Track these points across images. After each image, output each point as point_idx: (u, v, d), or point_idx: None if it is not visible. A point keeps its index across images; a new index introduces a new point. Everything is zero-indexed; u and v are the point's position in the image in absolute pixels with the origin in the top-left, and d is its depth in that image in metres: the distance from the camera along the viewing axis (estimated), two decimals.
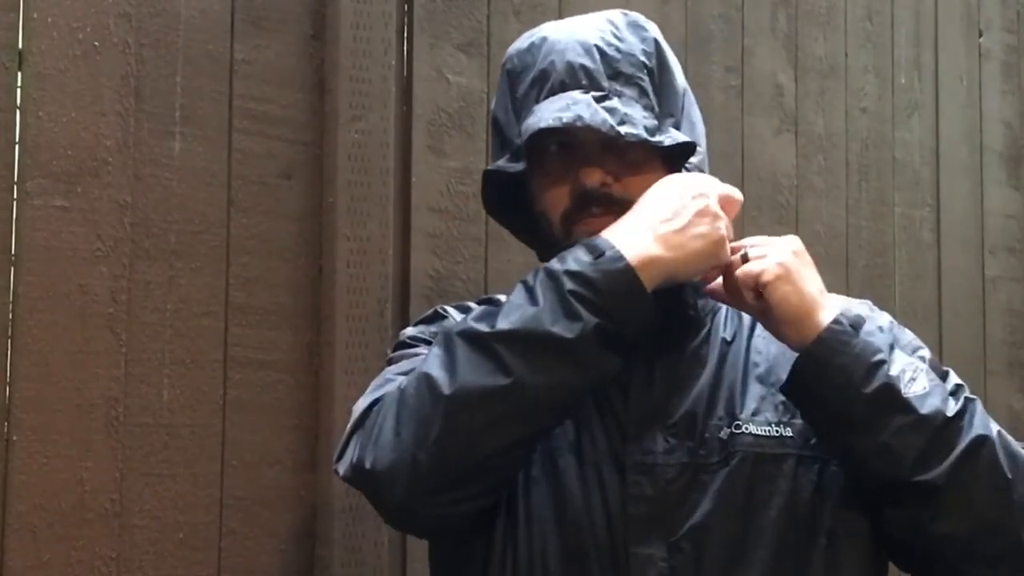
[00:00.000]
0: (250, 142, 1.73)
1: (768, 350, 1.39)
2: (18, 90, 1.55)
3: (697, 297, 1.39)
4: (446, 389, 1.22)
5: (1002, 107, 2.91)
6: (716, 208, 1.30)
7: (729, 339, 1.41)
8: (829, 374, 1.27)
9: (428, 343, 1.41)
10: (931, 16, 2.77)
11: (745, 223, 2.30)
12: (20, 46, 1.55)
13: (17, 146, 1.54)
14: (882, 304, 1.53)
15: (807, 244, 1.36)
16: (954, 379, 1.36)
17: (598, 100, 1.32)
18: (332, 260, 1.77)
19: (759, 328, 1.39)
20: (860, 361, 1.27)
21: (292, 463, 1.74)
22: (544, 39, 1.39)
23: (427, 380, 1.24)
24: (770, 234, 1.39)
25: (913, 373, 1.28)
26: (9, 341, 1.52)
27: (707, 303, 1.41)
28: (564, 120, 1.30)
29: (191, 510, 1.65)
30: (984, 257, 2.82)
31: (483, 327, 1.24)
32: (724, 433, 1.34)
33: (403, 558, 1.83)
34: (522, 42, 1.42)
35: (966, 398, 1.30)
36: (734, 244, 1.33)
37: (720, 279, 1.34)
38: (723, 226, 1.30)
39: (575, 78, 1.35)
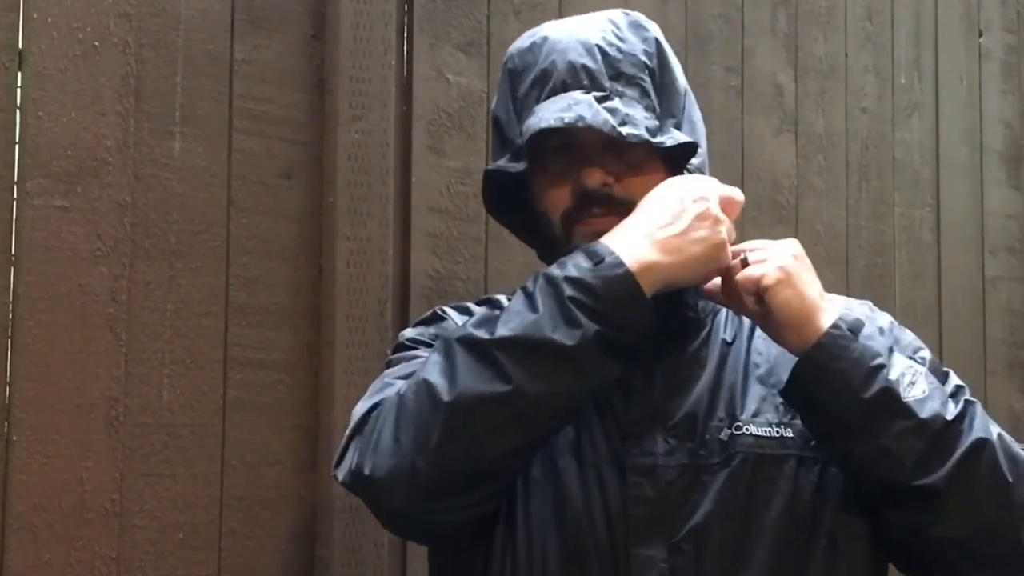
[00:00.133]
0: (250, 142, 1.73)
1: (769, 351, 1.39)
2: (18, 90, 1.55)
3: (697, 298, 1.39)
4: (446, 396, 1.22)
5: (1002, 107, 2.91)
6: (717, 211, 1.30)
7: (729, 340, 1.41)
8: (828, 379, 1.27)
9: (427, 345, 1.41)
10: (931, 16, 2.77)
11: (745, 223, 2.30)
12: (20, 46, 1.55)
13: (17, 146, 1.54)
14: (882, 304, 1.53)
15: (807, 244, 1.36)
16: (954, 380, 1.36)
17: (599, 100, 1.32)
18: (332, 260, 1.77)
19: (759, 329, 1.39)
20: (859, 365, 1.27)
21: (292, 463, 1.74)
22: (545, 39, 1.39)
23: (427, 387, 1.24)
24: (770, 234, 1.39)
25: (912, 377, 1.28)
26: (9, 341, 1.52)
27: (707, 304, 1.41)
28: (566, 120, 1.30)
29: (191, 510, 1.64)
30: (984, 257, 2.82)
31: (483, 334, 1.24)
32: (724, 434, 1.34)
33: (403, 558, 1.83)
34: (523, 41, 1.42)
35: (966, 401, 1.30)
36: (733, 248, 1.32)
37: (719, 282, 1.34)
38: (723, 230, 1.30)
39: (576, 78, 1.35)
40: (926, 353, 1.41)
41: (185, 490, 1.64)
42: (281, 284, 1.75)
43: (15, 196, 1.53)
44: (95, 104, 1.58)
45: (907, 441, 1.25)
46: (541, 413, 1.24)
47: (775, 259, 1.31)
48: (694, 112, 1.43)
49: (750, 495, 1.32)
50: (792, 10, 2.49)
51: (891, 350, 1.31)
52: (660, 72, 1.39)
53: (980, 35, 2.88)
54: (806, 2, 2.52)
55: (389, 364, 1.43)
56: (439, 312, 1.48)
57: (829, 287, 1.36)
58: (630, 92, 1.35)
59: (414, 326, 1.49)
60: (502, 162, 1.40)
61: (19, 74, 1.55)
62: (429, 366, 1.26)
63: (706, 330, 1.41)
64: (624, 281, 1.23)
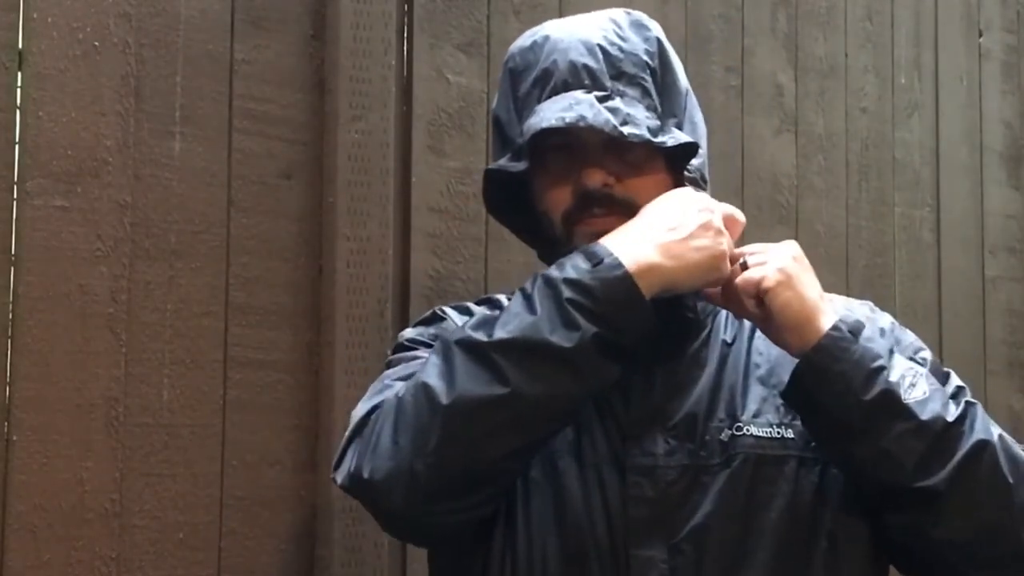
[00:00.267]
0: (250, 142, 1.73)
1: (769, 351, 1.38)
2: (18, 90, 1.54)
3: (696, 299, 1.39)
4: (444, 399, 1.22)
5: (1002, 107, 2.91)
6: (719, 224, 1.30)
7: (730, 341, 1.41)
8: (829, 380, 1.27)
9: (427, 345, 1.41)
10: (931, 16, 2.76)
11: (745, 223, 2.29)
12: (20, 46, 1.55)
13: (17, 146, 1.54)
14: (882, 304, 1.53)
15: (807, 244, 1.36)
16: (955, 381, 1.36)
17: (601, 100, 1.32)
18: (332, 260, 1.77)
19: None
20: (860, 367, 1.26)
21: (292, 463, 1.74)
22: (547, 38, 1.39)
23: (425, 389, 1.24)
24: (770, 234, 1.39)
25: (913, 378, 1.28)
26: (9, 341, 1.52)
27: (707, 305, 1.41)
28: (567, 120, 1.29)
29: (191, 510, 1.64)
30: (984, 257, 2.82)
31: (481, 336, 1.23)
32: (725, 435, 1.33)
33: (403, 558, 1.83)
34: (524, 40, 1.42)
35: (967, 402, 1.30)
36: (732, 252, 1.32)
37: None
38: (725, 242, 1.30)
39: (578, 78, 1.34)
40: (927, 354, 1.41)
41: (185, 490, 1.64)
42: (281, 284, 1.75)
43: (15, 196, 1.53)
44: (95, 104, 1.58)
45: (908, 443, 1.25)
46: (539, 415, 1.24)
47: (775, 261, 1.31)
48: (695, 112, 1.43)
49: (750, 496, 1.32)
50: (792, 10, 2.49)
51: (891, 352, 1.31)
52: (662, 72, 1.39)
53: (980, 35, 2.88)
54: (806, 2, 2.52)
55: (389, 365, 1.43)
56: (439, 312, 1.48)
57: (829, 287, 1.36)
58: (631, 92, 1.35)
59: (414, 326, 1.49)
60: (503, 161, 1.39)
61: (19, 74, 1.54)
62: (428, 368, 1.26)
63: (706, 331, 1.41)
64: (623, 283, 1.23)
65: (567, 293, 1.22)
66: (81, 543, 1.54)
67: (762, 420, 1.35)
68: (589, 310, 1.22)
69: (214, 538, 1.67)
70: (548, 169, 1.37)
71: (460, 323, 1.41)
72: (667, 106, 1.38)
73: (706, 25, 2.33)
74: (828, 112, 2.54)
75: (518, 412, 1.22)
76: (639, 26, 1.40)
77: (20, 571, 1.50)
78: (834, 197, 2.53)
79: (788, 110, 2.47)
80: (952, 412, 1.28)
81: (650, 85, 1.37)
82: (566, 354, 1.21)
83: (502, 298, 1.45)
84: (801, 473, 1.33)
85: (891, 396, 1.26)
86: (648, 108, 1.35)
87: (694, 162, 1.38)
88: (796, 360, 1.30)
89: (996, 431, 1.30)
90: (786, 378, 1.32)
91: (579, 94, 1.33)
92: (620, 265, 1.23)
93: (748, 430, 1.34)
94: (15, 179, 1.53)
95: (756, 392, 1.37)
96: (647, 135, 1.31)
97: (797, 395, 1.30)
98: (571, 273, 1.23)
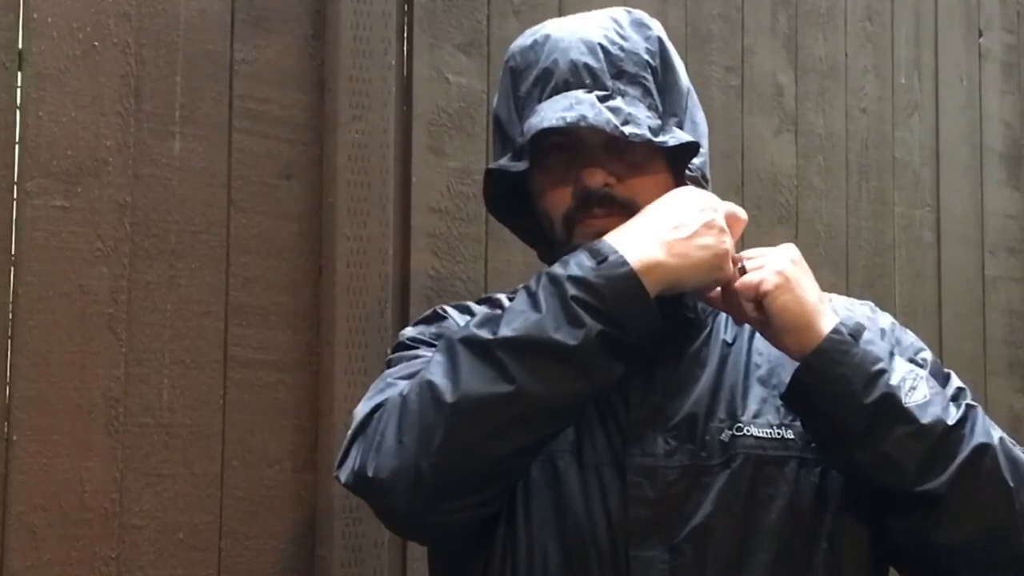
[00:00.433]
0: (250, 142, 1.73)
1: (769, 352, 1.38)
2: (18, 90, 1.54)
3: (697, 299, 1.39)
4: (449, 397, 1.22)
5: (1002, 107, 2.91)
6: (722, 223, 1.30)
7: (730, 341, 1.41)
8: (829, 384, 1.27)
9: (427, 344, 1.41)
10: (931, 16, 2.76)
11: None
12: (20, 46, 1.55)
13: (17, 146, 1.54)
14: (882, 304, 1.53)
15: (807, 244, 1.36)
16: (955, 383, 1.36)
17: (602, 100, 1.31)
18: (332, 260, 1.77)
19: None
20: (860, 371, 1.26)
21: (292, 463, 1.74)
22: (547, 37, 1.38)
23: (430, 387, 1.23)
24: (770, 234, 1.39)
25: (914, 382, 1.28)
26: (9, 341, 1.52)
27: (707, 305, 1.40)
28: (568, 120, 1.29)
29: (191, 510, 1.64)
30: (984, 257, 2.82)
31: (485, 334, 1.23)
32: (725, 435, 1.33)
33: (403, 558, 1.82)
34: (525, 39, 1.41)
35: (967, 405, 1.30)
36: (733, 256, 1.32)
37: (720, 290, 1.34)
38: (728, 241, 1.29)
39: (579, 77, 1.34)
40: (927, 354, 1.41)
41: (185, 490, 1.64)
42: (281, 284, 1.75)
43: (15, 196, 1.53)
44: (95, 104, 1.58)
45: (908, 446, 1.25)
46: (545, 413, 1.24)
47: (773, 264, 1.30)
48: (696, 111, 1.43)
49: (751, 496, 1.32)
50: (792, 10, 2.49)
51: (892, 354, 1.31)
52: (663, 71, 1.39)
53: (980, 35, 2.88)
54: (806, 2, 2.52)
55: (389, 363, 1.43)
56: (439, 311, 1.48)
57: (829, 287, 1.36)
58: (632, 91, 1.35)
59: (414, 325, 1.49)
60: (503, 161, 1.39)
61: (19, 74, 1.54)
62: (432, 367, 1.25)
63: (706, 331, 1.41)
64: (627, 280, 1.23)
65: (572, 291, 1.22)
66: (81, 543, 1.54)
67: (762, 420, 1.35)
68: (594, 308, 1.21)
69: (214, 538, 1.67)
70: (549, 169, 1.37)
71: (461, 322, 1.41)
72: (668, 105, 1.38)
73: (706, 25, 2.33)
74: (828, 112, 2.54)
75: (523, 410, 1.22)
76: (640, 25, 1.40)
77: (20, 571, 1.50)
78: (834, 197, 2.53)
79: (788, 110, 2.47)
80: (953, 415, 1.27)
81: (651, 84, 1.37)
82: (571, 352, 1.21)
83: (502, 297, 1.45)
84: (801, 474, 1.33)
85: (892, 399, 1.26)
86: (649, 107, 1.35)
87: (695, 161, 1.37)
88: (796, 361, 1.30)
89: (997, 434, 1.30)
90: (786, 379, 1.32)
91: (580, 93, 1.32)
92: (625, 263, 1.23)
93: (748, 430, 1.34)
94: (15, 179, 1.53)
95: (756, 392, 1.37)
96: (648, 135, 1.31)
97: (797, 398, 1.30)
98: (576, 271, 1.23)
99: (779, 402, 1.35)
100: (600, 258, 1.24)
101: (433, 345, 1.38)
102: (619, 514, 1.31)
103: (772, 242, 1.38)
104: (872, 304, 1.48)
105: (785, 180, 2.44)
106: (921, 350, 1.41)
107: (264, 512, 1.71)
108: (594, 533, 1.31)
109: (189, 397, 1.65)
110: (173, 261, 1.65)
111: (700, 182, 1.38)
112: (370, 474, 1.25)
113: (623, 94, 1.34)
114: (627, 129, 1.30)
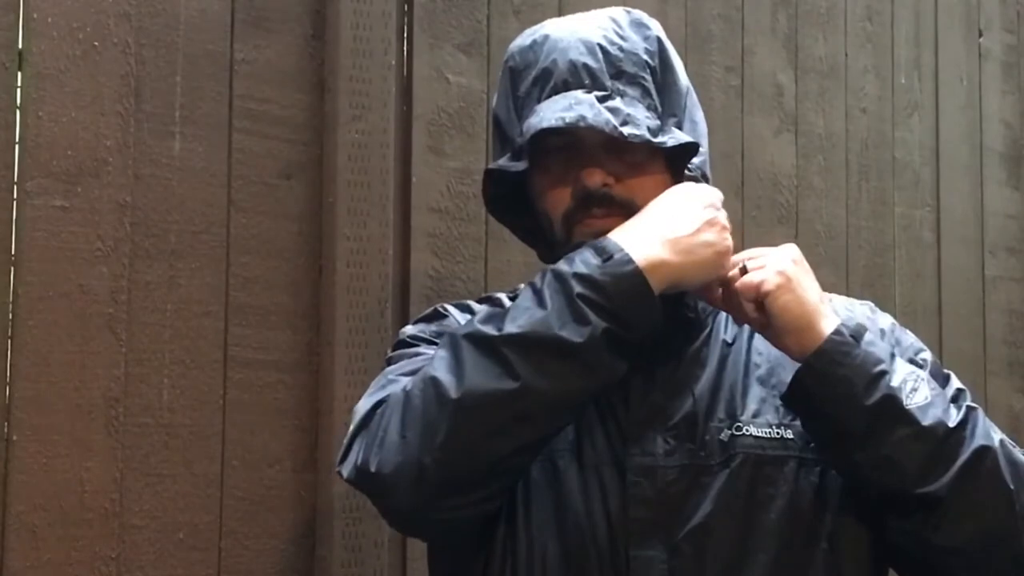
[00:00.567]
0: (250, 142, 1.73)
1: (769, 351, 1.38)
2: (18, 90, 1.54)
3: (697, 299, 1.39)
4: (453, 393, 1.21)
5: (1002, 107, 2.91)
6: (724, 220, 1.30)
7: (730, 341, 1.41)
8: (830, 385, 1.26)
9: (428, 342, 1.41)
10: (931, 16, 2.77)
11: (745, 223, 2.30)
12: (20, 46, 1.55)
13: (17, 146, 1.54)
14: (882, 304, 1.53)
15: (807, 244, 1.36)
16: (955, 384, 1.36)
17: (601, 100, 1.31)
18: (332, 260, 1.77)
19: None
20: (861, 372, 1.26)
21: (292, 463, 1.74)
22: (547, 37, 1.38)
23: (434, 383, 1.23)
24: (770, 234, 1.39)
25: (915, 383, 1.28)
26: (9, 341, 1.52)
27: (707, 304, 1.40)
28: (567, 120, 1.29)
29: (191, 510, 1.64)
30: (984, 257, 2.82)
31: (490, 330, 1.23)
32: (724, 435, 1.33)
33: (403, 558, 1.82)
34: (524, 39, 1.41)
35: (968, 407, 1.30)
36: (732, 258, 1.32)
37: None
38: (730, 238, 1.30)
39: (578, 77, 1.34)
40: (927, 355, 1.41)
41: (185, 490, 1.64)
42: (281, 284, 1.75)
43: (15, 196, 1.53)
44: (95, 104, 1.58)
45: (909, 448, 1.25)
46: (549, 410, 1.24)
47: (774, 264, 1.30)
48: (696, 112, 1.43)
49: (750, 496, 1.32)
50: (792, 10, 2.49)
51: (893, 356, 1.31)
52: (662, 71, 1.39)
53: (980, 35, 2.88)
54: (806, 2, 2.52)
55: (390, 361, 1.42)
56: (440, 310, 1.48)
57: (829, 287, 1.36)
58: (631, 91, 1.35)
59: (415, 323, 1.49)
60: (503, 161, 1.39)
61: (19, 74, 1.54)
62: (436, 362, 1.25)
63: (707, 331, 1.40)
64: (633, 278, 1.23)
65: (578, 288, 1.22)
66: (81, 543, 1.54)
67: (762, 420, 1.35)
68: (600, 305, 1.21)
69: (214, 538, 1.67)
70: (548, 169, 1.37)
71: (462, 321, 1.41)
72: (667, 105, 1.38)
73: (706, 25, 2.33)
74: (828, 112, 2.54)
75: (528, 406, 1.22)
76: (639, 25, 1.40)
77: (20, 571, 1.50)
78: (834, 197, 2.53)
79: (788, 110, 2.47)
80: (953, 417, 1.27)
81: (650, 84, 1.36)
82: (576, 349, 1.21)
83: (503, 297, 1.45)
84: (801, 474, 1.33)
85: (893, 401, 1.26)
86: (648, 108, 1.35)
87: (695, 161, 1.37)
88: (796, 361, 1.30)
89: (997, 436, 1.30)
90: (786, 378, 1.32)
91: (579, 94, 1.32)
92: (631, 260, 1.23)
93: (748, 430, 1.34)
94: (15, 179, 1.53)
95: (756, 392, 1.37)
96: (647, 135, 1.31)
97: (798, 399, 1.30)
98: (581, 268, 1.23)
99: (778, 402, 1.35)
100: (605, 256, 1.24)
101: (434, 343, 1.38)
102: (619, 514, 1.31)
103: (772, 242, 1.38)
104: (872, 304, 1.48)
105: (785, 180, 2.44)
106: (921, 351, 1.41)
107: (264, 512, 1.71)
108: (594, 533, 1.31)
109: (189, 397, 1.65)
110: (173, 261, 1.65)
111: (700, 182, 1.37)
112: (373, 469, 1.25)
113: (622, 94, 1.34)
114: (626, 129, 1.30)
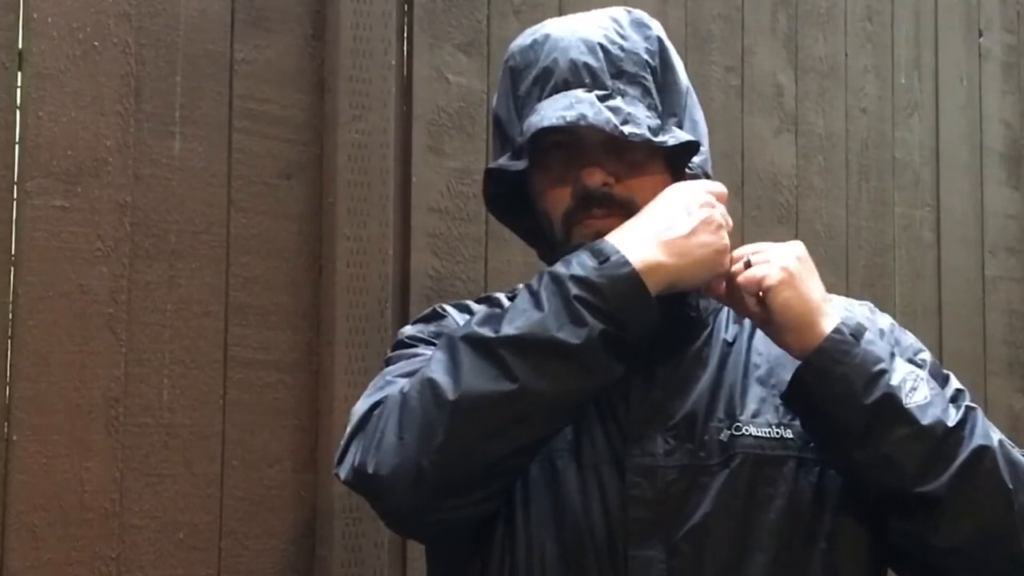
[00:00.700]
0: (250, 142, 1.73)
1: (769, 351, 1.38)
2: (18, 90, 1.54)
3: (699, 298, 1.39)
4: (450, 394, 1.22)
5: (1002, 107, 2.91)
6: (720, 219, 1.30)
7: (731, 340, 1.40)
8: (830, 384, 1.26)
9: (427, 343, 1.41)
10: (931, 16, 2.77)
11: (745, 223, 2.30)
12: (20, 46, 1.55)
13: (17, 146, 1.54)
14: (882, 304, 1.53)
15: (807, 244, 1.35)
16: (954, 384, 1.36)
17: (601, 99, 1.31)
18: (332, 260, 1.77)
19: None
20: (861, 371, 1.26)
21: (292, 463, 1.74)
22: (547, 36, 1.38)
23: (431, 385, 1.23)
24: (770, 234, 1.39)
25: (914, 383, 1.28)
26: (9, 341, 1.52)
27: (709, 304, 1.40)
28: (568, 119, 1.29)
29: (191, 510, 1.64)
30: (984, 257, 2.82)
31: (487, 332, 1.23)
32: (724, 435, 1.33)
33: (403, 558, 1.83)
34: (524, 39, 1.41)
35: (967, 407, 1.30)
36: (736, 252, 1.32)
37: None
38: (727, 236, 1.30)
39: (578, 76, 1.34)
40: (926, 355, 1.41)
41: (185, 490, 1.64)
42: (281, 284, 1.75)
43: (15, 196, 1.53)
44: (95, 104, 1.58)
45: (908, 448, 1.25)
46: (546, 411, 1.24)
47: (778, 260, 1.30)
48: (696, 111, 1.43)
49: (749, 496, 1.32)
50: (792, 10, 2.49)
51: (893, 355, 1.31)
52: (662, 70, 1.39)
53: (980, 35, 2.88)
54: (806, 2, 2.52)
55: (388, 361, 1.42)
56: (439, 310, 1.48)
57: (829, 287, 1.36)
58: (632, 91, 1.35)
59: (413, 323, 1.49)
60: (503, 160, 1.39)
61: (19, 74, 1.54)
62: (433, 364, 1.25)
63: (708, 330, 1.40)
64: (629, 280, 1.23)
65: (574, 290, 1.22)
66: (81, 543, 1.54)
67: (761, 420, 1.34)
68: (596, 307, 1.22)
69: (214, 538, 1.67)
70: (548, 168, 1.37)
71: (460, 321, 1.41)
72: (668, 105, 1.38)
73: (706, 25, 2.33)
74: (828, 112, 2.54)
75: (525, 408, 1.22)
76: (640, 24, 1.40)
77: (20, 571, 1.50)
78: (834, 197, 2.53)
79: (788, 110, 2.47)
80: (952, 417, 1.27)
81: (651, 84, 1.37)
82: (573, 351, 1.21)
83: (502, 297, 1.45)
84: (800, 474, 1.33)
85: (892, 400, 1.26)
86: (649, 107, 1.35)
87: (696, 159, 1.37)
88: (796, 360, 1.30)
89: (996, 436, 1.30)
90: (786, 378, 1.32)
91: (580, 93, 1.32)
92: (627, 263, 1.23)
93: (747, 430, 1.34)
94: (15, 179, 1.53)
95: (755, 392, 1.37)
96: (648, 134, 1.31)
97: (798, 398, 1.30)
98: (578, 270, 1.23)
99: (778, 402, 1.35)
100: (602, 258, 1.24)
101: (432, 344, 1.38)
102: (618, 513, 1.31)
103: (773, 242, 1.38)
104: (871, 305, 1.48)
105: (785, 180, 2.44)
106: (920, 351, 1.41)
107: (264, 512, 1.71)
108: (592, 532, 1.31)
109: (189, 397, 1.65)
110: (173, 261, 1.65)
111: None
112: (370, 471, 1.25)
113: (623, 94, 1.34)
114: (626, 129, 1.30)
